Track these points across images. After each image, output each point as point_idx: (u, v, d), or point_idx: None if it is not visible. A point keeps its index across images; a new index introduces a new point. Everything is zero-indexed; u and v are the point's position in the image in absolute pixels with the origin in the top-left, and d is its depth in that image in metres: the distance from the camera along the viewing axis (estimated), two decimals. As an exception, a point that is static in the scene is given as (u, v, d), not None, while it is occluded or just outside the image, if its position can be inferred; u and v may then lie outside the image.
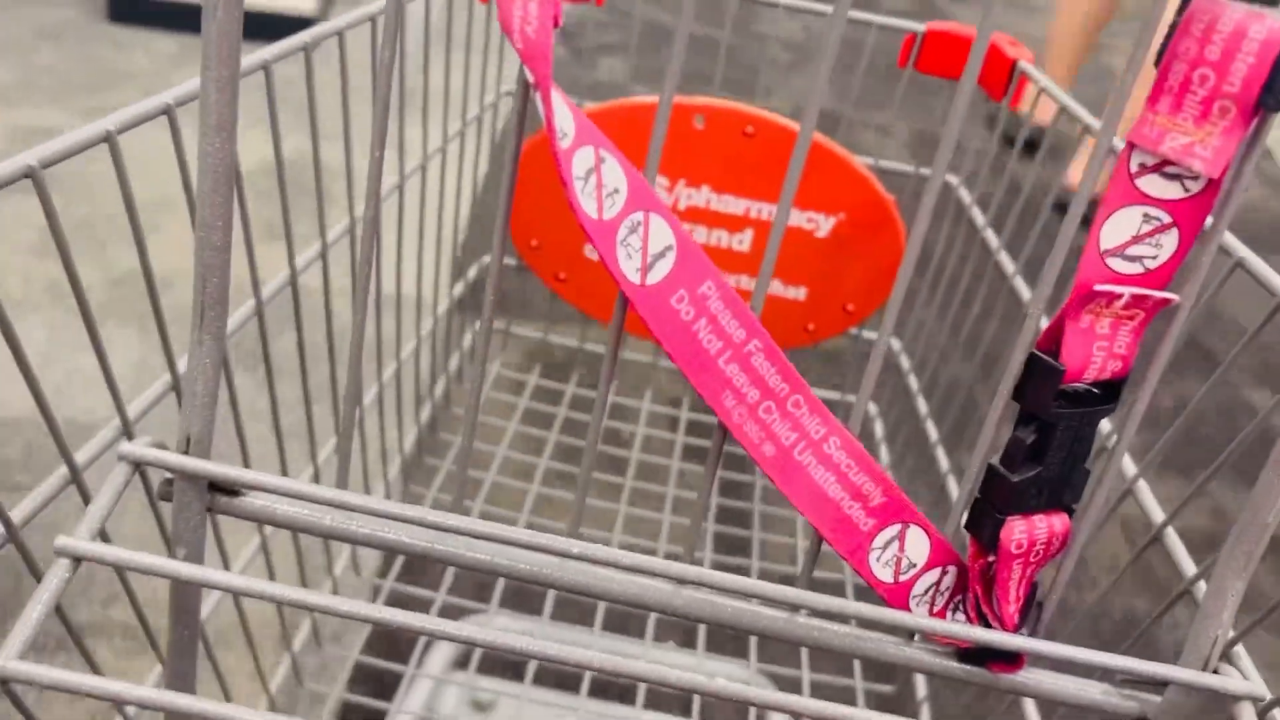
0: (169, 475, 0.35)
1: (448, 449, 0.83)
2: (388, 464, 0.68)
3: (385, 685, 0.79)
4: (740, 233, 0.83)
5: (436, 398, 0.77)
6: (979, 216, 0.75)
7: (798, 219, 0.81)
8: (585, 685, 0.80)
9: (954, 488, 0.70)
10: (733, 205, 0.83)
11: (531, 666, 0.82)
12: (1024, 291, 0.66)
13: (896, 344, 0.87)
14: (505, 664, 0.87)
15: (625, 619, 0.90)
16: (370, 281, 0.34)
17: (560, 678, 0.91)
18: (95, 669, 0.40)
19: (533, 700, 0.81)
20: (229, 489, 0.36)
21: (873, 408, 0.90)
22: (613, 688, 0.89)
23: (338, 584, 0.62)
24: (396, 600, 0.74)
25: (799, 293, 0.84)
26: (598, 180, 0.31)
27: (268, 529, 0.53)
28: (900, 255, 0.78)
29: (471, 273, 0.86)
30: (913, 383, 0.82)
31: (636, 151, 0.34)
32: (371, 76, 0.45)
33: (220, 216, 0.33)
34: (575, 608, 0.89)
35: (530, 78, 0.29)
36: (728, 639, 0.93)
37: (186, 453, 0.35)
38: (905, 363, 0.85)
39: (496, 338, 0.87)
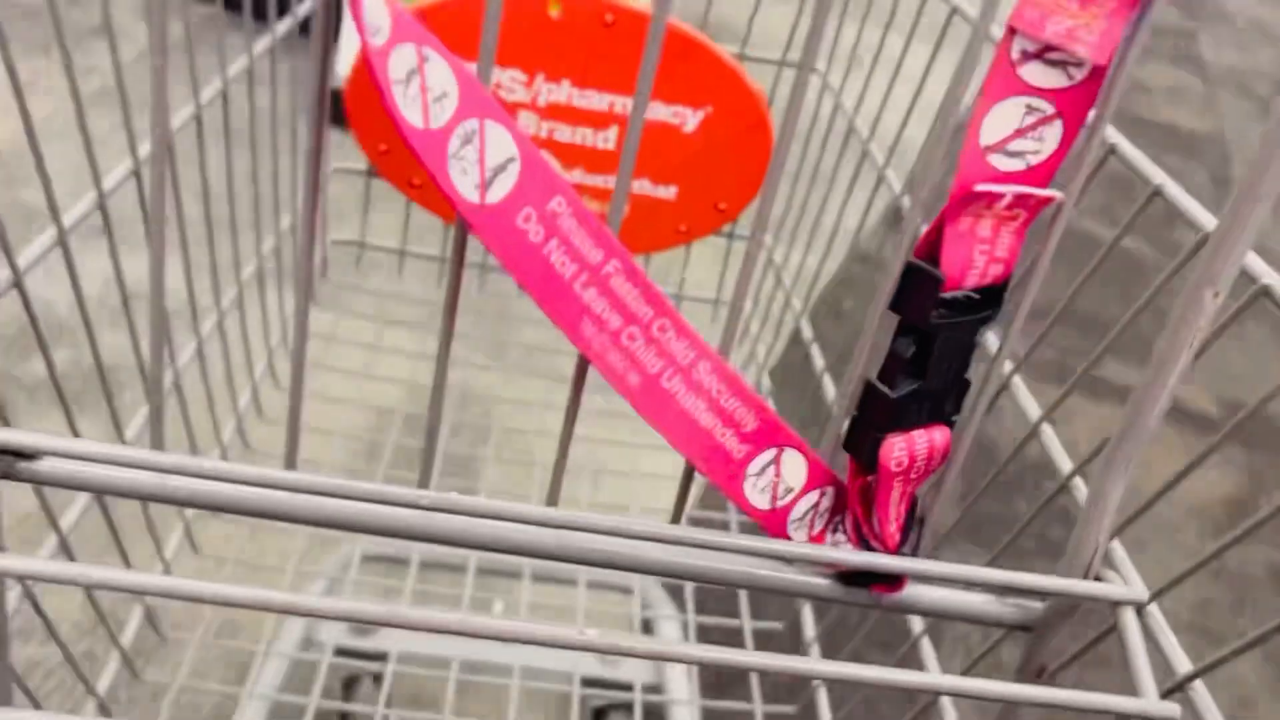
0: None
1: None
2: (220, 426, 0.62)
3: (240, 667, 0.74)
4: (605, 130, 0.79)
5: (273, 344, 0.71)
6: (848, 105, 0.72)
7: (663, 114, 0.77)
8: (466, 601, 0.78)
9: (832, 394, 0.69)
10: (596, 100, 0.78)
11: (408, 591, 0.79)
12: (896, 184, 0.64)
13: (769, 239, 0.85)
14: (383, 586, 0.84)
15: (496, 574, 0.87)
16: (163, 208, 0.30)
17: (440, 596, 0.89)
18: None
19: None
20: (25, 453, 0.32)
21: (750, 309, 0.88)
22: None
23: (169, 566, 0.57)
24: (245, 577, 0.70)
25: (669, 192, 0.81)
26: (421, 83, 0.27)
27: (75, 507, 0.48)
28: (770, 149, 0.76)
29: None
30: (786, 281, 0.80)
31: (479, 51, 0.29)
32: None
33: None
34: (443, 566, 0.85)
35: (331, -37, 0.25)
36: (610, 588, 0.92)
37: (-36, 416, 0.30)
38: (778, 258, 0.83)
39: (349, 253, 0.82)
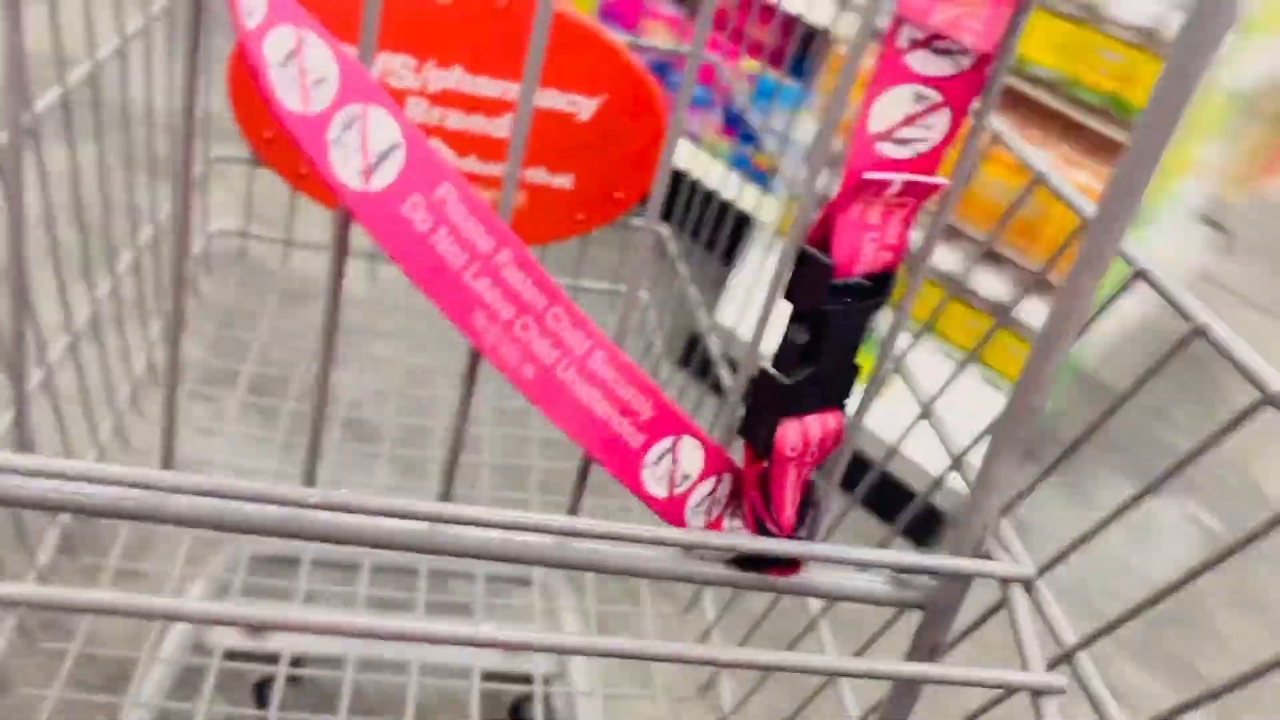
0: None
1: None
2: (95, 426, 0.59)
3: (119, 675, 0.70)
4: (499, 117, 0.78)
5: (152, 338, 0.68)
6: (741, 97, 0.72)
7: (558, 101, 0.76)
8: (361, 600, 0.76)
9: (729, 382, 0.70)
10: (488, 87, 0.77)
11: (301, 591, 0.77)
12: (788, 171, 0.65)
13: (665, 230, 0.85)
14: (275, 573, 0.81)
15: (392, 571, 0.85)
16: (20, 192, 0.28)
17: (335, 595, 0.87)
18: None
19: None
20: None
21: (648, 297, 0.88)
22: (390, 600, 0.86)
23: (43, 574, 0.54)
24: (127, 582, 0.66)
25: (566, 180, 0.80)
26: (300, 66, 0.26)
27: None
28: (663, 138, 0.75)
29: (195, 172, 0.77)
30: (682, 270, 0.80)
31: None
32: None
33: None
34: (335, 565, 0.83)
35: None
36: (510, 582, 0.91)
37: None
38: (674, 249, 0.83)
39: (232, 243, 0.79)
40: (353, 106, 0.27)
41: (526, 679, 0.84)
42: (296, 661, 0.75)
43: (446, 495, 0.32)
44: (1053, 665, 0.35)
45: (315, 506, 0.30)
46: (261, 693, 0.88)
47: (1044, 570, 0.36)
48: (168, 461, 0.31)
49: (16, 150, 0.28)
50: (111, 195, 0.56)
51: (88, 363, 0.57)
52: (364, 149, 0.27)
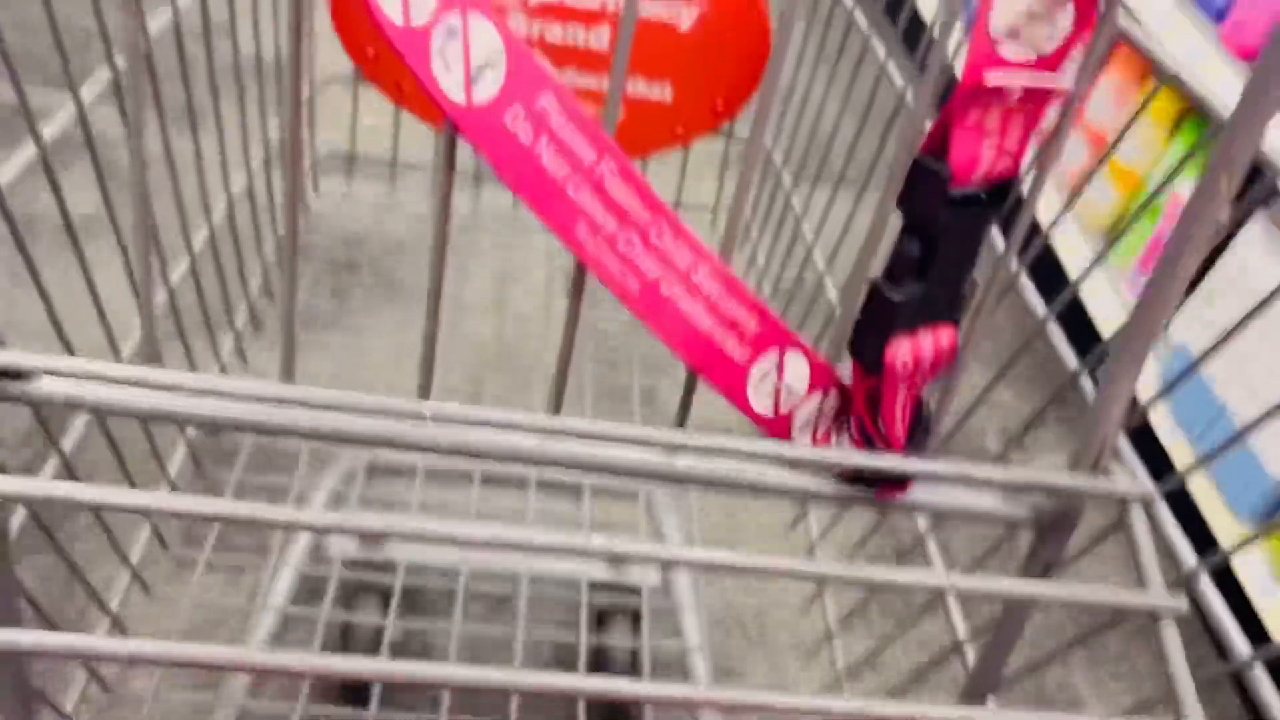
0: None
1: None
2: (218, 342, 0.61)
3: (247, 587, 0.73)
4: (597, 27, 0.76)
5: (267, 257, 0.69)
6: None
7: (658, 10, 0.74)
8: (474, 509, 0.78)
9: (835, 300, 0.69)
10: (587, -1, 0.76)
11: (415, 503, 0.79)
12: (898, 78, 0.63)
13: (769, 140, 0.83)
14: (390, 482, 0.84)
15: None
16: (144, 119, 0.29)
17: (448, 504, 0.89)
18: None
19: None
20: (16, 373, 0.31)
21: (750, 213, 0.87)
22: (501, 511, 0.88)
23: (175, 484, 0.56)
24: (250, 494, 0.69)
25: (664, 92, 0.79)
26: (402, -22, 0.26)
27: (76, 429, 0.47)
28: (768, 46, 0.73)
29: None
30: (786, 180, 0.78)
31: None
32: None
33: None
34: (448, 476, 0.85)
35: None
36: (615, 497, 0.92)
37: (-49, 338, 0.30)
38: (778, 158, 0.81)
39: (339, 164, 0.80)
40: (453, 16, 0.27)
41: (634, 590, 0.85)
42: (411, 570, 0.78)
43: (556, 409, 0.33)
44: (1174, 587, 0.34)
45: (430, 419, 0.30)
46: (352, 601, 0.92)
47: (1166, 488, 0.35)
48: (288, 376, 0.32)
49: (137, 76, 0.29)
50: (222, 117, 0.58)
51: (207, 284, 0.59)
52: (466, 60, 0.27)
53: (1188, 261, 0.31)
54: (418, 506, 0.80)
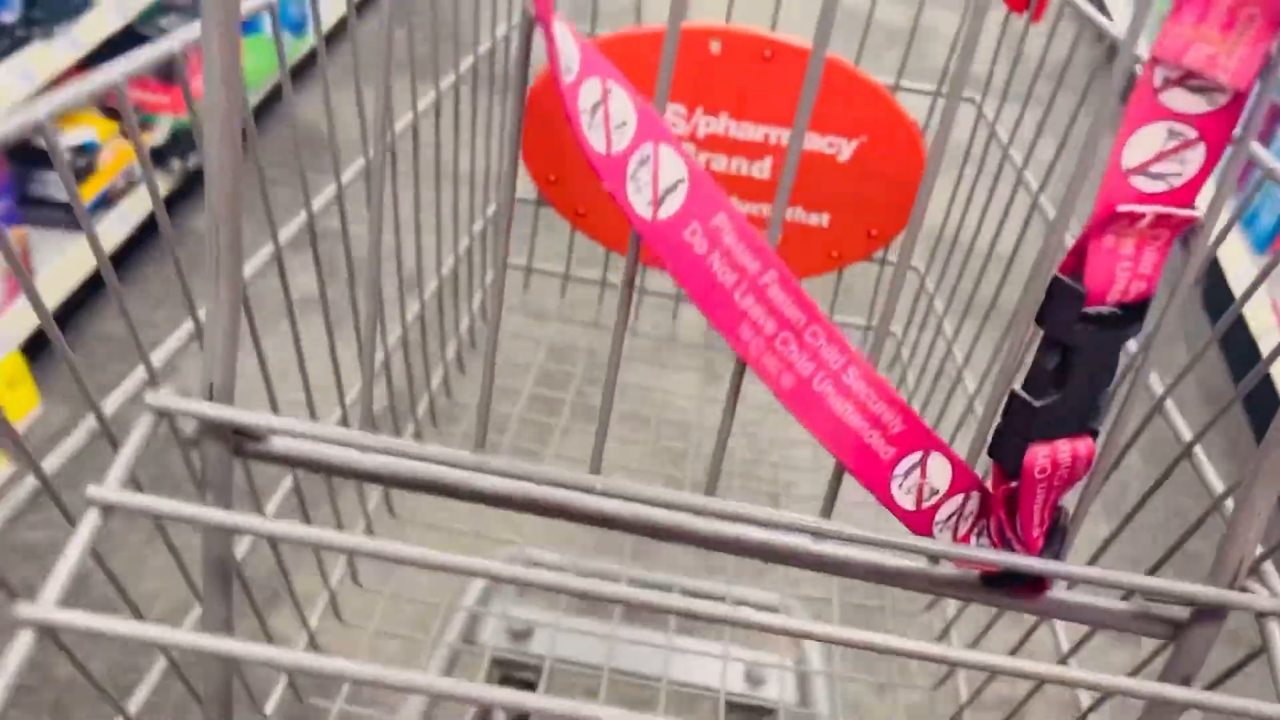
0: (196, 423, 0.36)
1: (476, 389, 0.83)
2: (416, 406, 0.68)
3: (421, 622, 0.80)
4: (760, 160, 0.82)
5: (462, 334, 0.77)
6: (1003, 135, 0.73)
7: (818, 144, 0.79)
8: (618, 611, 0.81)
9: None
10: (751, 132, 0.81)
11: (565, 601, 0.83)
12: (1050, 211, 0.65)
13: (922, 267, 0.86)
14: (539, 593, 0.88)
15: (652, 553, 0.91)
16: (381, 219, 0.34)
17: (594, 605, 0.92)
18: (136, 613, 0.41)
19: (567, 629, 0.82)
20: (254, 434, 0.37)
21: (902, 335, 0.89)
22: (644, 613, 0.91)
23: (372, 523, 0.63)
24: (431, 541, 0.75)
25: (822, 219, 0.83)
26: (605, 113, 0.31)
27: (299, 473, 0.54)
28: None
29: (490, 209, 0.86)
30: (939, 306, 0.81)
31: (650, 82, 0.33)
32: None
33: (228, 164, 0.33)
34: (604, 541, 0.89)
35: (531, 9, 0.29)
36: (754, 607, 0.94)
37: (210, 399, 0.36)
38: (930, 285, 0.84)
39: (518, 276, 0.87)
40: (646, 146, 0.31)
41: (770, 711, 0.86)
42: (556, 670, 0.81)
43: (711, 490, 0.36)
44: (1316, 708, 0.34)
45: (601, 494, 0.34)
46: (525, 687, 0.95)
47: (1311, 609, 0.35)
48: (480, 443, 0.36)
49: (382, 171, 0.35)
50: (423, 230, 0.65)
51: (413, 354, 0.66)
52: (655, 183, 0.31)
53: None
54: (566, 605, 0.84)
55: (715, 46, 0.76)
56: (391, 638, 0.70)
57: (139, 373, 0.42)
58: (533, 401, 0.84)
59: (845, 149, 0.78)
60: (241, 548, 0.50)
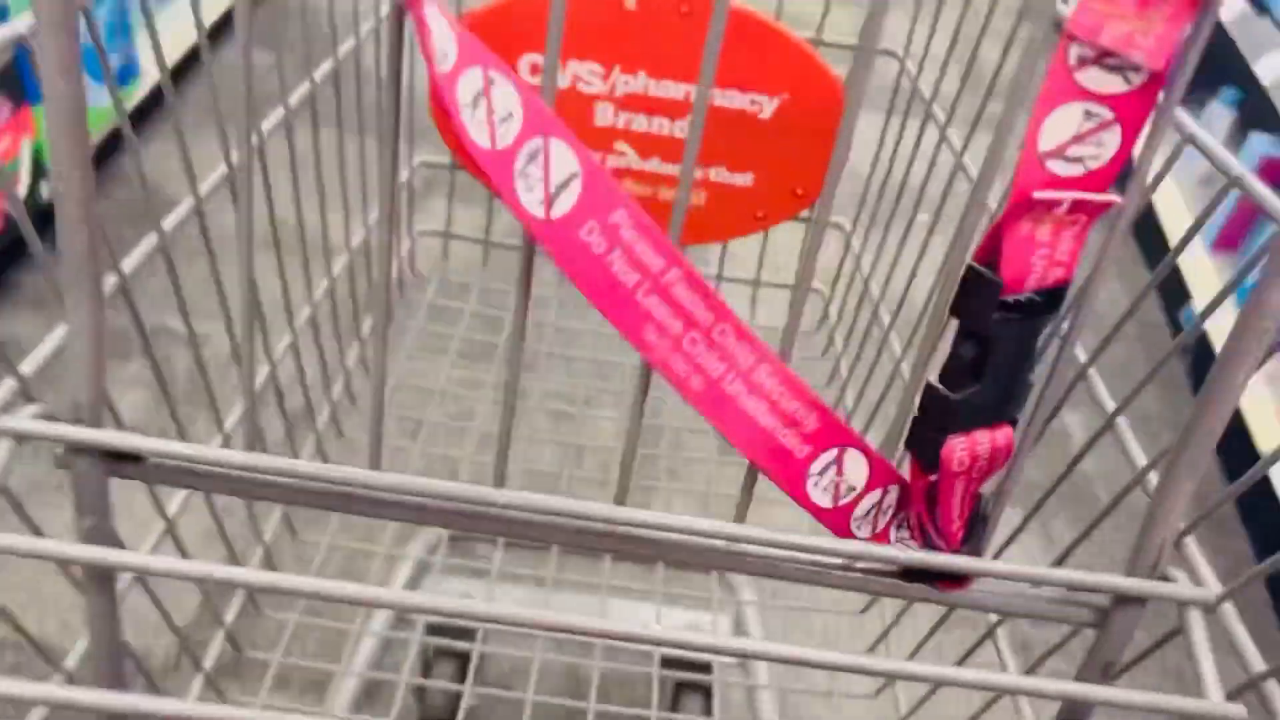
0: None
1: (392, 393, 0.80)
2: (315, 419, 0.65)
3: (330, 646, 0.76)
4: (683, 119, 0.79)
5: (364, 336, 0.73)
6: (925, 92, 0.71)
7: (740, 101, 0.77)
8: (550, 579, 0.80)
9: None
10: (673, 90, 0.79)
11: (495, 571, 0.81)
12: (973, 171, 0.64)
13: (848, 225, 0.85)
14: (471, 563, 0.86)
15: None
16: (250, 221, 0.32)
17: (525, 577, 0.91)
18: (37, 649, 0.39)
19: (501, 597, 0.81)
20: (131, 455, 0.34)
21: (829, 294, 0.88)
22: (576, 577, 0.90)
23: (270, 550, 0.60)
24: (341, 558, 0.72)
25: (746, 179, 0.81)
26: (488, 105, 0.28)
27: (181, 494, 0.51)
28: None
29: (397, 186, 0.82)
30: (865, 265, 0.80)
31: (565, 40, 0.30)
32: None
33: (76, 164, 0.30)
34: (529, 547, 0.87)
35: (400, -3, 0.26)
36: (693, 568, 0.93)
37: (77, 421, 0.33)
38: (856, 244, 0.83)
39: (435, 244, 0.84)
40: (536, 140, 0.29)
41: (705, 668, 0.86)
42: (490, 638, 0.80)
43: (622, 500, 0.34)
44: (1236, 693, 0.34)
45: (503, 506, 0.32)
46: (458, 665, 0.94)
47: (1229, 594, 0.35)
48: (375, 462, 0.34)
49: (249, 168, 0.32)
50: (326, 203, 0.62)
51: (306, 354, 0.62)
52: (546, 180, 0.29)
53: (1246, 365, 0.32)
54: (498, 573, 0.82)
55: (630, 2, 0.73)
56: (312, 634, 0.68)
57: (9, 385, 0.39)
58: (446, 398, 0.81)
59: (767, 106, 0.76)
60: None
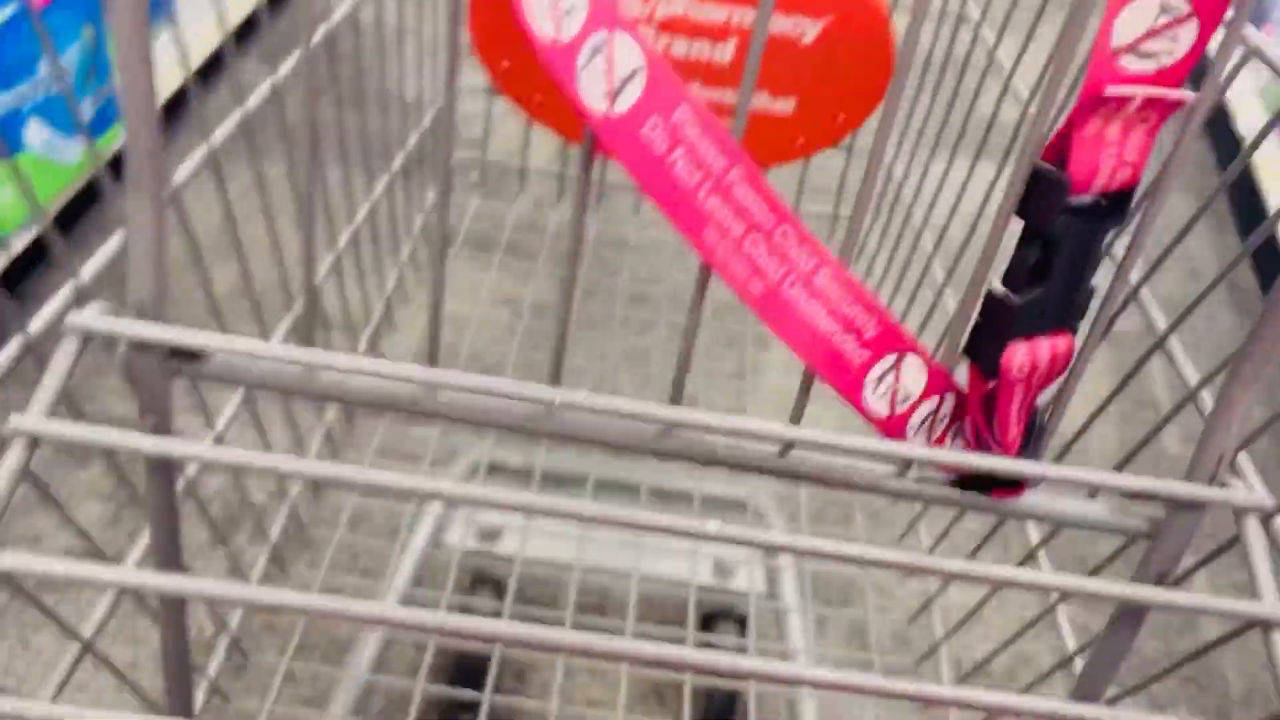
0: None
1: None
2: (370, 312, 0.66)
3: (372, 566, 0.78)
4: (723, 43, 0.78)
5: (415, 233, 0.74)
6: (974, 10, 0.70)
7: (782, 25, 0.75)
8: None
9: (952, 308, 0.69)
10: (713, 13, 0.77)
11: (536, 483, 0.82)
12: (1024, 93, 0.63)
13: (891, 155, 0.84)
14: (509, 482, 0.87)
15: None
16: (311, 126, 0.32)
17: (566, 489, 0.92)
18: (87, 538, 0.40)
19: (535, 529, 0.82)
20: (191, 353, 0.35)
21: (869, 224, 0.87)
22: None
23: (333, 441, 0.61)
24: (391, 452, 0.73)
25: (787, 105, 0.80)
26: (553, -4, 0.28)
27: (233, 404, 0.52)
28: (891, 61, 0.74)
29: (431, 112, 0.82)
30: (906, 195, 0.79)
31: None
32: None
33: (138, 54, 0.30)
34: (563, 480, 0.88)
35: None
36: (724, 507, 0.93)
37: (139, 317, 0.33)
38: (899, 172, 0.82)
39: (469, 168, 0.84)
40: (600, 33, 0.29)
41: (740, 594, 0.87)
42: (527, 564, 0.81)
43: (677, 400, 0.35)
44: (1290, 601, 0.34)
45: (560, 407, 0.33)
46: (495, 591, 0.96)
47: (1288, 503, 0.34)
48: (433, 359, 0.34)
49: (309, 79, 0.32)
50: (369, 128, 0.61)
51: (350, 277, 0.63)
52: (609, 74, 0.29)
53: (1314, 275, 0.31)
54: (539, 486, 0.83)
55: (673, -79, 0.71)
56: (355, 552, 0.69)
57: (68, 288, 0.40)
58: (491, 305, 0.81)
59: (810, 30, 0.75)
60: (193, 466, 0.48)
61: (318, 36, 0.53)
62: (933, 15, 0.75)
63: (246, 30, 1.26)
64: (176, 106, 1.44)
